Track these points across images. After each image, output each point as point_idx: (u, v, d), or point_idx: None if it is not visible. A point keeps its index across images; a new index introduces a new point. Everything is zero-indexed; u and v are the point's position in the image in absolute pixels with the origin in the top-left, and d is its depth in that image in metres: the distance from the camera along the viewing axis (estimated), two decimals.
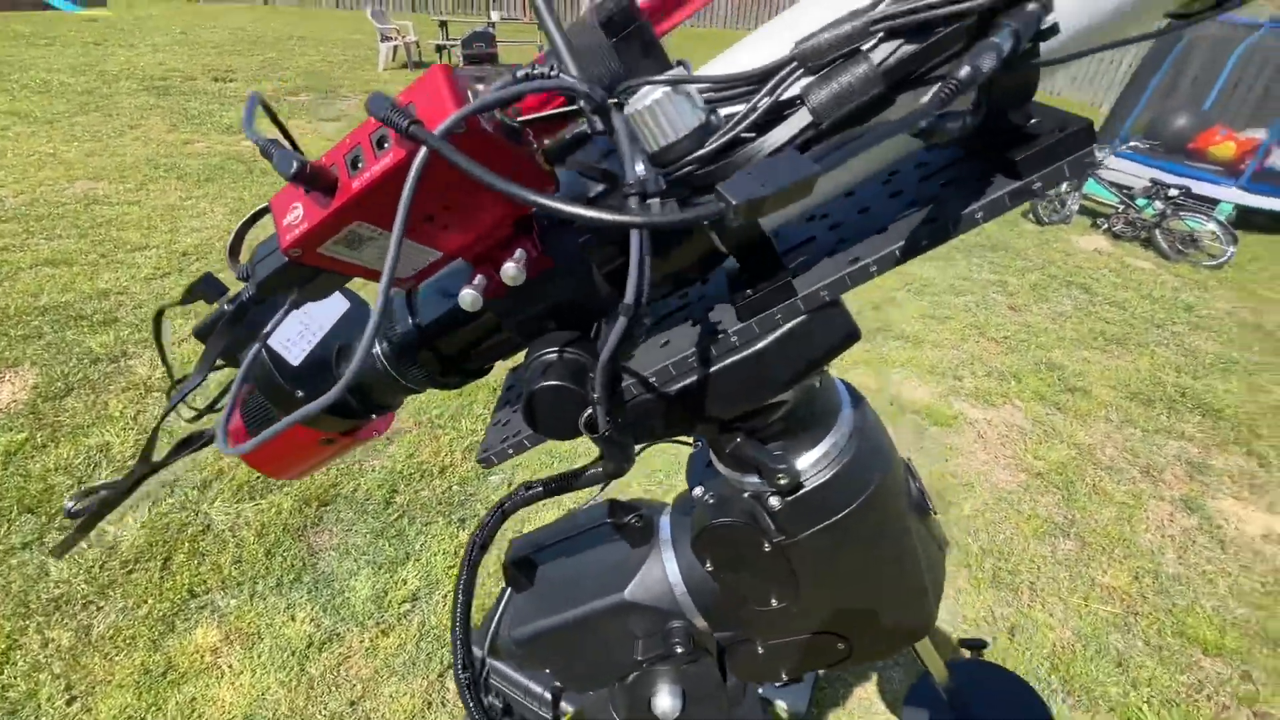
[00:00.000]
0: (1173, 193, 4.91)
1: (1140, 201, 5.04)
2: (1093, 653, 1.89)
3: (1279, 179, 5.64)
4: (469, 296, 0.38)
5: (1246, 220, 5.39)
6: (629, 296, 0.30)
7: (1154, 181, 5.10)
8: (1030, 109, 0.36)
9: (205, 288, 0.46)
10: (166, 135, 5.65)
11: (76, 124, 5.59)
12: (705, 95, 0.33)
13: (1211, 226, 4.80)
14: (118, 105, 6.27)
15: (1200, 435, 2.88)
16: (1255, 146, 5.46)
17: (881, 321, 3.60)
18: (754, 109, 0.31)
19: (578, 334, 0.43)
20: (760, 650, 0.57)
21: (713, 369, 0.42)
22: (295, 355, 0.49)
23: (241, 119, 0.35)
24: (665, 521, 0.62)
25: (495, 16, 9.14)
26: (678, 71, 0.33)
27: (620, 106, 0.32)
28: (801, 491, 0.48)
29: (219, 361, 0.46)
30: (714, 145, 0.32)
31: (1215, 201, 5.26)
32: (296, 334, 0.50)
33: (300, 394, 0.49)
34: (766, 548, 0.49)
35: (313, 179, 0.31)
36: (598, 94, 0.30)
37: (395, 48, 9.48)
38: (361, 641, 1.77)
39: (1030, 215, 5.33)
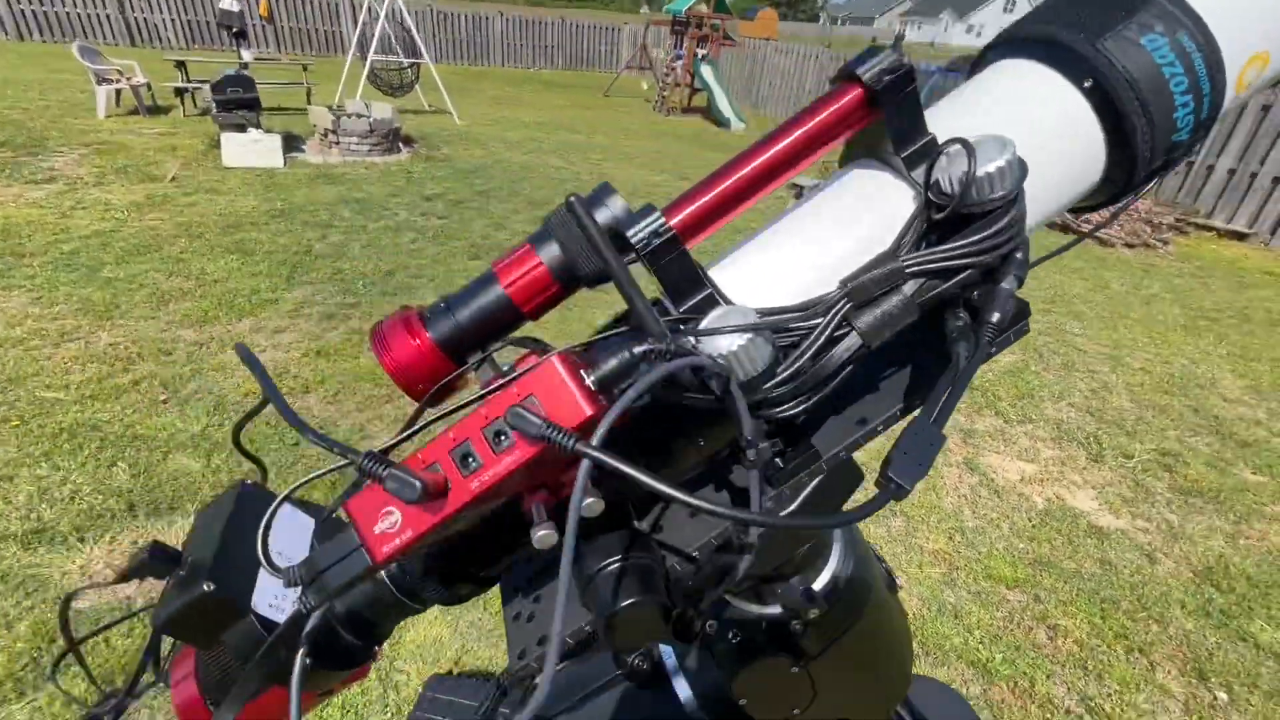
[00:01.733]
0: None
1: None
2: (935, 613, 2.23)
3: None
4: (545, 536, 0.35)
5: None
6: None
7: None
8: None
9: (154, 561, 0.37)
10: None
11: None
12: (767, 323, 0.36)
13: None
14: None
15: (963, 405, 3.57)
16: None
17: None
18: (819, 338, 0.34)
19: (625, 531, 0.42)
20: None
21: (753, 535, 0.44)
22: (280, 612, 0.41)
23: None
24: (668, 650, 0.62)
25: (248, 56, 8.18)
26: (745, 310, 0.35)
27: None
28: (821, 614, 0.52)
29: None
30: (789, 372, 0.34)
31: None
32: (278, 590, 0.41)
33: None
34: (794, 670, 0.53)
35: (434, 494, 0.27)
36: (721, 367, 0.31)
37: (118, 91, 8.05)
38: None
39: None
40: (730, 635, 0.53)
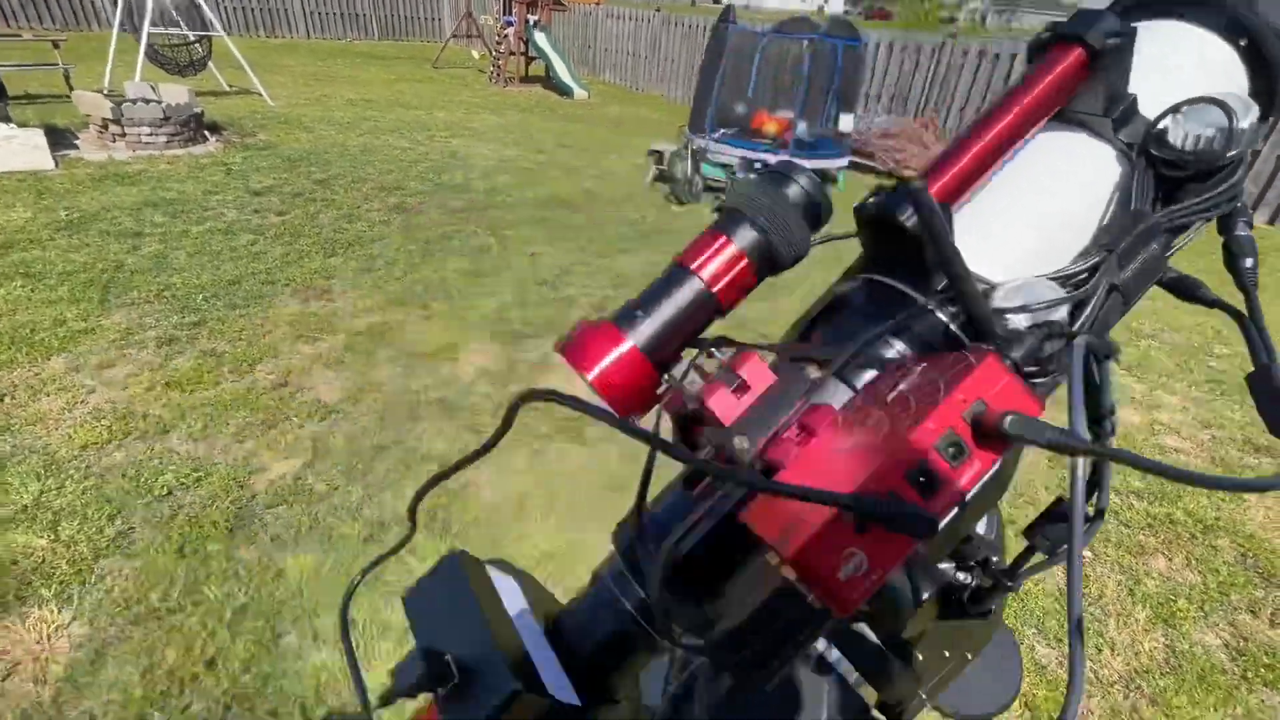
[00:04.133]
0: (757, 165, 6.38)
1: (739, 175, 6.42)
2: None
3: (809, 145, 7.75)
4: None
5: None
6: None
7: (742, 158, 6.53)
8: None
9: (433, 671, 0.29)
10: None
11: None
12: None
13: None
14: None
15: None
16: (789, 122, 7.40)
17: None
18: (1102, 301, 0.35)
19: None
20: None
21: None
22: (569, 692, 0.34)
23: None
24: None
25: None
26: (1049, 283, 0.34)
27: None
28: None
29: None
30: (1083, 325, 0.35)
31: None
32: (554, 668, 0.34)
33: None
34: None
35: None
36: (1108, 345, 0.30)
37: None
38: None
39: (672, 198, 6.30)
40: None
